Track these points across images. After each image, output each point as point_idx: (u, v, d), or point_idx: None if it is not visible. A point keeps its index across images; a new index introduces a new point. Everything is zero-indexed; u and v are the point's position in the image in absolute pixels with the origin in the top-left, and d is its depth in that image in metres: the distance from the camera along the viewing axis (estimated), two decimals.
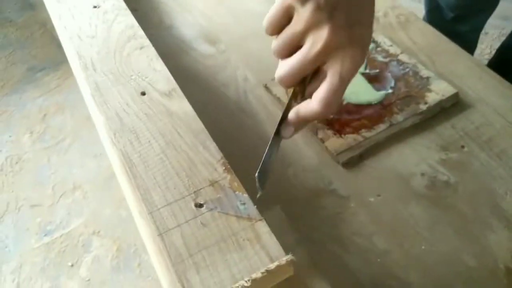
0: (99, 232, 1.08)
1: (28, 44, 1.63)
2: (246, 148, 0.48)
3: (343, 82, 0.27)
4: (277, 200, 0.43)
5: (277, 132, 0.31)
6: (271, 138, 0.32)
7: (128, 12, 0.44)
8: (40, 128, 1.34)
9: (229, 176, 0.31)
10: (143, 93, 0.36)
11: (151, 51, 0.40)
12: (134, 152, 0.32)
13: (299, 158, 0.47)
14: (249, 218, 0.28)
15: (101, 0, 0.46)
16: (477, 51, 1.62)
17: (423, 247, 0.40)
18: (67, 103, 1.41)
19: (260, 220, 0.28)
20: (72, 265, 1.03)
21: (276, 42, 0.28)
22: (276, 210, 0.36)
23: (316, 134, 0.48)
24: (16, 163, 1.25)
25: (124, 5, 0.45)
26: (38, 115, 1.38)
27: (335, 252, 0.40)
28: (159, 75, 0.37)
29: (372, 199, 0.44)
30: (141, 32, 0.42)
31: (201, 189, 0.30)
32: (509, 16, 1.72)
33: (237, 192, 0.30)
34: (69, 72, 1.52)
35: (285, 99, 0.52)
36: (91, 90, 0.36)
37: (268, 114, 0.52)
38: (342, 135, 0.48)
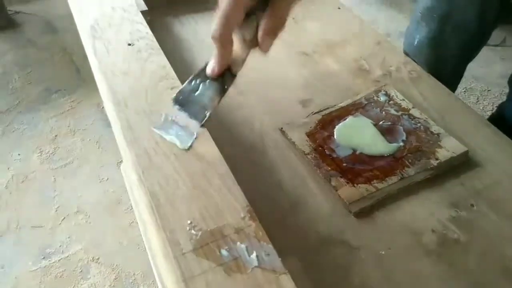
0: (98, 259, 1.07)
1: (47, 66, 1.68)
2: (261, 191, 0.49)
3: None
4: (290, 247, 0.43)
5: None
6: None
7: (161, 52, 0.47)
8: (49, 149, 1.36)
9: (254, 224, 0.31)
10: None
11: None
12: (161, 192, 0.32)
13: (312, 205, 0.48)
14: (274, 271, 0.28)
15: (135, 39, 0.48)
16: (479, 107, 1.67)
17: None
18: (79, 127, 1.43)
19: (284, 273, 0.28)
20: None
21: None
22: (293, 261, 0.36)
23: (330, 181, 0.50)
24: (22, 181, 1.26)
25: (157, 44, 0.48)
26: (49, 136, 1.40)
27: None
28: None
29: (383, 252, 0.44)
30: (172, 73, 0.44)
31: (226, 236, 0.30)
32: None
33: (261, 242, 0.30)
34: (83, 96, 1.55)
35: (301, 145, 0.54)
36: (122, 126, 0.37)
37: (282, 158, 0.54)
38: (355, 185, 0.49)
